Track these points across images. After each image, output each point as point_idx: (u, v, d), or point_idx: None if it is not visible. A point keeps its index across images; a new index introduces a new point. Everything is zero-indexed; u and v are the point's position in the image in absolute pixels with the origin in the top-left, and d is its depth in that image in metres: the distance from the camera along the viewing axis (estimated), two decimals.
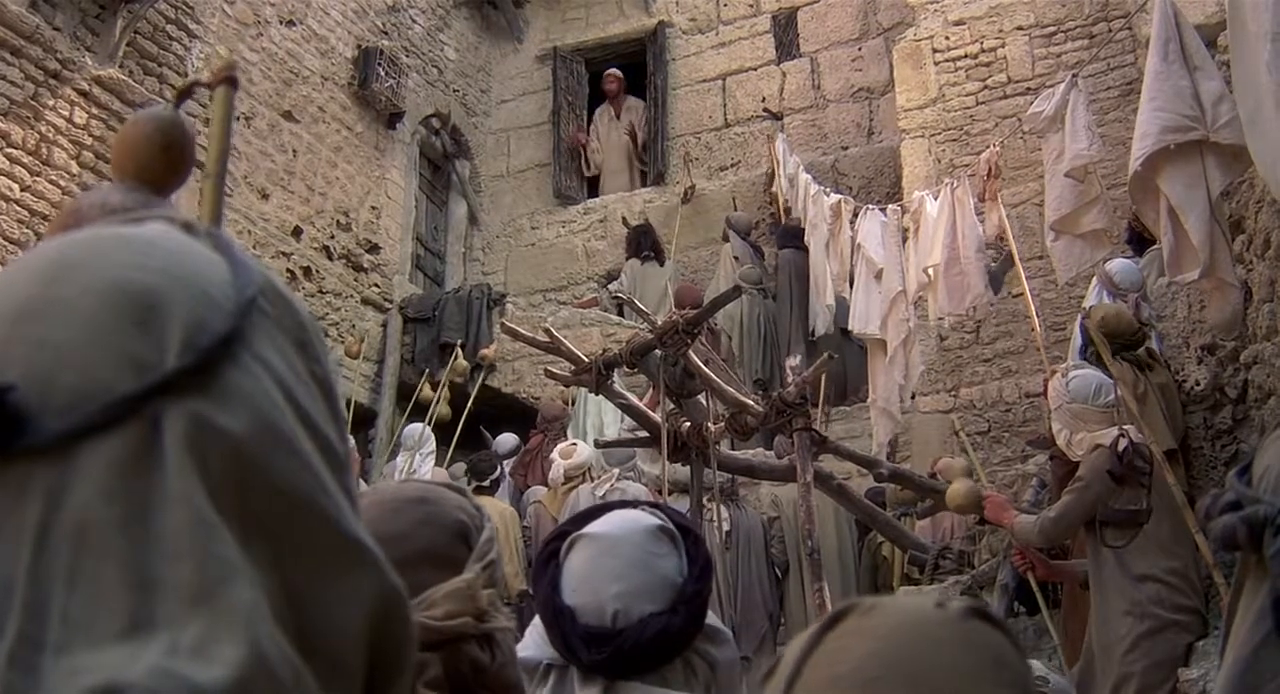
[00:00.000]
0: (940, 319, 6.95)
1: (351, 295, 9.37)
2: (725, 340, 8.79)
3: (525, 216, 11.40)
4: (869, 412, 7.12)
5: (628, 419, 5.87)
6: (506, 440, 8.19)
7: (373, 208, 9.80)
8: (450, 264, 11.17)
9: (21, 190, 6.39)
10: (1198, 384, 4.91)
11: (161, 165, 0.96)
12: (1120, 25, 7.48)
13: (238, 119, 8.15)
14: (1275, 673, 0.93)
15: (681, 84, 11.30)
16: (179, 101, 1.00)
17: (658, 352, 4.76)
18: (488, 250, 11.39)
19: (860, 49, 10.62)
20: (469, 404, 8.54)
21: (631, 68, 11.50)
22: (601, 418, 8.01)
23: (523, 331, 5.45)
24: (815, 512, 4.78)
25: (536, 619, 1.45)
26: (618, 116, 11.42)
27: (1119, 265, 5.62)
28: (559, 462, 6.71)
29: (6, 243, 6.24)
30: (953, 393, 7.91)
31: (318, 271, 9.01)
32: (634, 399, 5.28)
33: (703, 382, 4.81)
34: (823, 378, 6.70)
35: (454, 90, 11.20)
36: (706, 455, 4.88)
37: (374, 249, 9.71)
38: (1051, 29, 8.54)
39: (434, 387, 8.41)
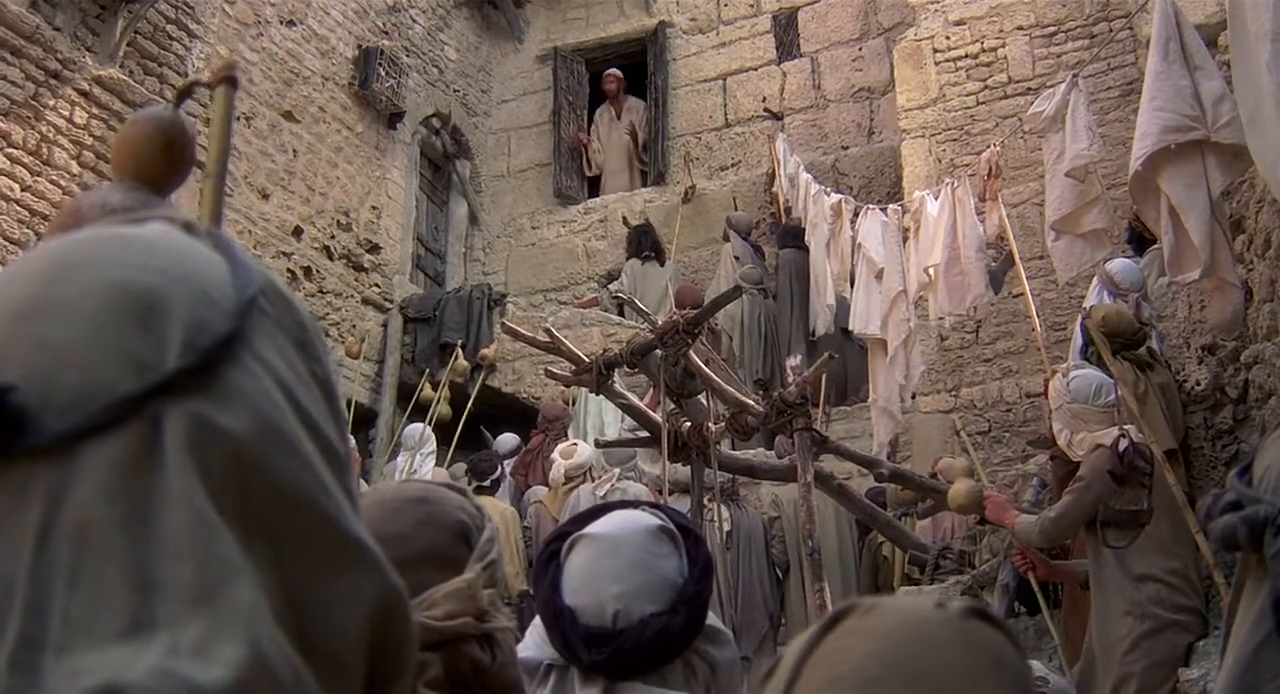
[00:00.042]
0: (940, 319, 6.96)
1: (352, 295, 9.37)
2: (726, 340, 8.79)
3: (526, 216, 11.40)
4: (869, 411, 7.12)
5: (628, 419, 5.87)
6: (507, 440, 8.19)
7: (373, 208, 9.81)
8: (451, 264, 11.17)
9: (22, 190, 6.39)
10: (1198, 384, 4.91)
11: (161, 165, 0.96)
12: (1121, 25, 7.48)
13: (238, 119, 8.15)
14: (1275, 673, 0.93)
15: (682, 84, 11.30)
16: (179, 101, 1.00)
17: (658, 352, 4.76)
18: (488, 250, 11.39)
19: (861, 49, 10.63)
20: (469, 404, 8.54)
21: (632, 68, 11.50)
22: (602, 418, 8.01)
23: (523, 332, 5.45)
24: (816, 512, 4.78)
25: (537, 619, 1.45)
26: (618, 116, 11.42)
27: (1119, 265, 5.62)
28: (560, 462, 6.71)
29: (6, 243, 6.24)
30: (953, 393, 7.91)
31: (318, 271, 9.01)
32: (634, 399, 5.28)
33: (703, 381, 4.81)
34: (823, 378, 6.69)
35: (454, 90, 11.20)
36: (707, 455, 4.88)
37: (374, 249, 9.71)
38: (1052, 29, 8.55)
39: (434, 386, 8.41)
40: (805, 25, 10.92)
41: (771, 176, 9.95)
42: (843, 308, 7.40)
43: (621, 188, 11.29)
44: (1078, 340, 5.33)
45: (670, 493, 5.18)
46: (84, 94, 6.78)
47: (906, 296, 6.60)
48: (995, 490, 5.14)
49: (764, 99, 10.80)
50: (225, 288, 0.59)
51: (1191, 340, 5.19)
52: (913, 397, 7.45)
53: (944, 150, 8.54)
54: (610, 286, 9.95)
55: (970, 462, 6.06)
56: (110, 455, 0.52)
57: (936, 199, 6.61)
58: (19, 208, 6.36)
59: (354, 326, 9.24)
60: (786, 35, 10.99)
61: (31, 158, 6.45)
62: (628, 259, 10.24)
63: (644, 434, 5.35)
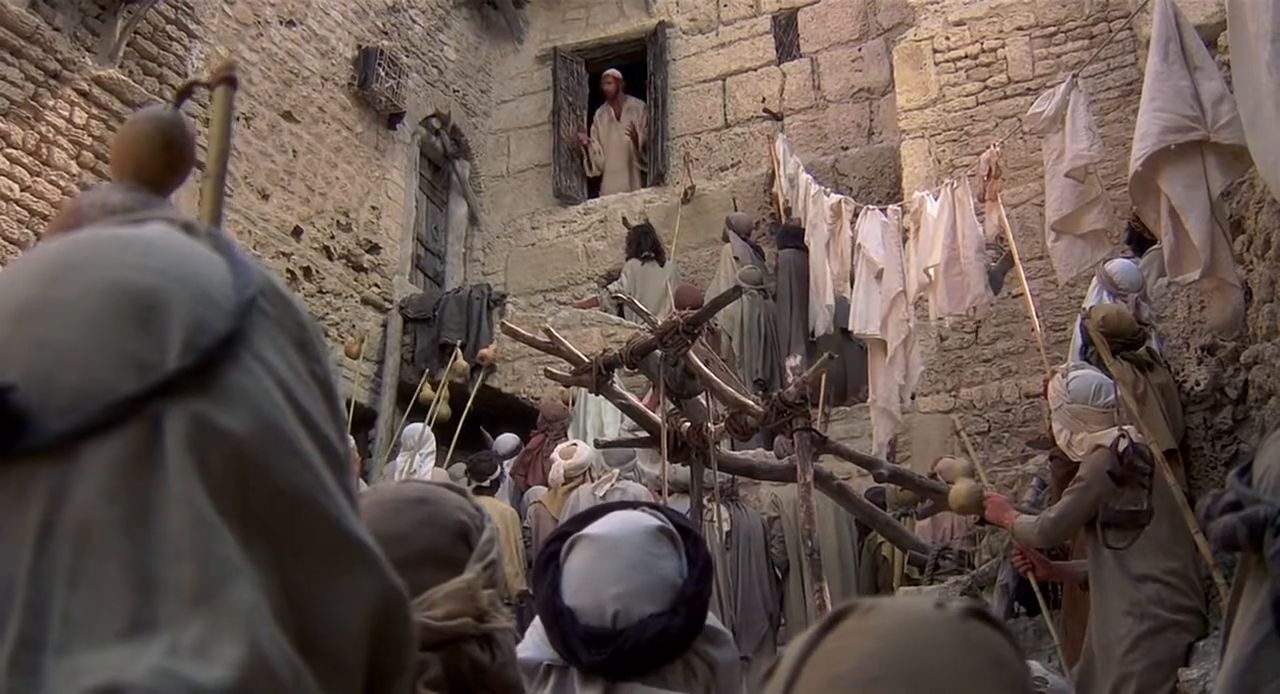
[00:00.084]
0: (940, 319, 6.96)
1: (351, 295, 9.37)
2: (725, 340, 8.79)
3: (525, 216, 11.40)
4: (869, 412, 7.12)
5: (628, 419, 5.87)
6: (506, 440, 8.19)
7: (373, 208, 9.81)
8: (450, 264, 11.17)
9: (21, 190, 6.39)
10: (1198, 384, 4.91)
11: (161, 165, 0.96)
12: (1120, 26, 7.48)
13: (238, 119, 8.15)
14: (1275, 673, 0.93)
15: (682, 84, 11.30)
16: (179, 101, 1.00)
17: (658, 352, 4.76)
18: (488, 250, 11.39)
19: (860, 49, 10.63)
20: (469, 404, 8.53)
21: (632, 68, 11.50)
22: (602, 418, 8.01)
23: (523, 332, 5.45)
24: (815, 512, 4.78)
25: (536, 620, 1.45)
26: (618, 117, 11.42)
27: (1119, 265, 5.62)
28: (559, 462, 6.71)
29: (6, 243, 6.24)
30: (953, 393, 7.91)
31: (318, 272, 9.01)
32: (634, 399, 5.28)
33: (703, 382, 4.81)
34: (823, 378, 6.69)
35: (454, 90, 11.20)
36: (706, 455, 4.88)
37: (374, 249, 9.71)
38: (1052, 29, 8.55)
39: (434, 387, 8.41)
40: (805, 26, 10.92)
41: (771, 177, 9.96)
42: (842, 308, 7.40)
43: (621, 188, 11.29)
44: (1077, 341, 5.34)
45: (670, 493, 5.18)
46: (83, 94, 6.78)
47: (906, 297, 6.60)
48: (995, 491, 5.14)
49: (764, 99, 10.80)
50: (225, 288, 0.59)
51: (1191, 341, 5.19)
52: (912, 397, 7.45)
53: (944, 151, 8.54)
54: (610, 287, 9.95)
55: (970, 462, 6.06)
56: (110, 455, 0.52)
57: (936, 199, 6.61)
58: (19, 208, 6.36)
59: (354, 327, 9.24)
60: (786, 36, 10.99)
61: (31, 158, 6.45)
62: (627, 259, 10.24)
63: (643, 434, 5.36)
